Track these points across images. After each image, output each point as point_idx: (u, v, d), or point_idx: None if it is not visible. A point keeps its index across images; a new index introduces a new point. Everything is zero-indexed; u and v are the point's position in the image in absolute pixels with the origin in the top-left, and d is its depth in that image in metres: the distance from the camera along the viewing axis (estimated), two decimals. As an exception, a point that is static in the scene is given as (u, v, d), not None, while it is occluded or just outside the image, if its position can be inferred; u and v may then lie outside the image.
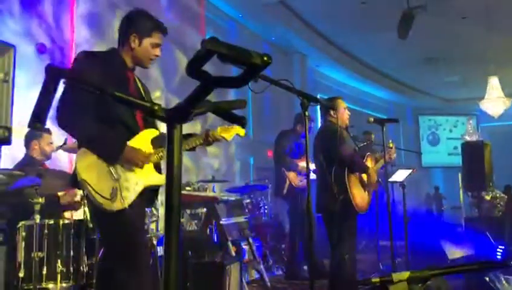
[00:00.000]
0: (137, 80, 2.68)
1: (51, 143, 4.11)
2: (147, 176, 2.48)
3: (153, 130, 2.58)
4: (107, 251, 2.73)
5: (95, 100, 2.31)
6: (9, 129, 1.09)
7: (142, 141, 2.51)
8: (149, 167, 2.49)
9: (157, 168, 2.57)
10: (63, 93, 2.30)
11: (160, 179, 2.56)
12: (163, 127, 1.00)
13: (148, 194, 2.55)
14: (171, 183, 0.91)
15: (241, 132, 2.80)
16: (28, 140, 4.12)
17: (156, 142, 2.57)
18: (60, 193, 3.76)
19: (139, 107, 0.95)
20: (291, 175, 5.38)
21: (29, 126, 0.93)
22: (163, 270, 0.89)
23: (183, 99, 0.90)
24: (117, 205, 2.32)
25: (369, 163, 3.99)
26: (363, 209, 3.79)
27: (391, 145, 4.18)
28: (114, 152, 2.37)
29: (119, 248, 2.44)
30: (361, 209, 3.75)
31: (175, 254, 0.88)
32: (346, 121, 3.96)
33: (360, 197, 3.73)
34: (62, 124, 2.37)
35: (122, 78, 2.56)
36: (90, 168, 2.34)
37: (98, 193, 2.30)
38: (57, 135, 3.87)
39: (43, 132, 4.01)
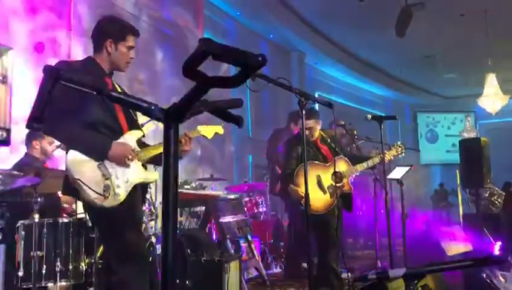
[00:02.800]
0: (116, 85, 2.73)
1: (52, 143, 4.12)
2: (137, 173, 2.55)
3: (138, 131, 2.64)
4: (104, 247, 2.77)
5: (76, 104, 2.36)
6: (7, 130, 1.09)
7: (127, 142, 2.57)
8: (138, 165, 2.57)
9: (144, 166, 2.65)
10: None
11: (149, 175, 2.64)
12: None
13: (140, 191, 2.62)
14: (167, 182, 0.92)
15: (220, 130, 2.91)
16: (29, 139, 4.14)
17: (141, 142, 2.63)
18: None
19: (136, 107, 0.96)
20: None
21: (27, 127, 0.94)
22: (161, 268, 0.90)
23: (180, 99, 0.91)
24: (110, 201, 2.40)
25: (343, 166, 4.02)
26: (317, 210, 3.83)
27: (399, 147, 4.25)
28: (101, 149, 2.44)
29: (115, 244, 2.49)
30: (313, 210, 3.75)
31: (172, 252, 0.89)
32: (312, 134, 4.05)
33: (313, 198, 3.75)
34: (47, 130, 2.42)
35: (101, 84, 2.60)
36: (82, 167, 2.40)
37: (91, 190, 2.36)
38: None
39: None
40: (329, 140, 4.18)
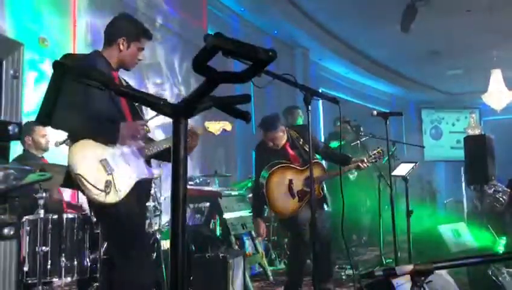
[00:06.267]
0: (122, 80, 2.73)
1: (45, 135, 4.10)
2: (140, 169, 2.55)
3: None
4: (107, 243, 2.78)
5: (82, 97, 2.36)
6: (19, 125, 1.10)
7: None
8: (141, 161, 2.57)
9: (148, 163, 2.66)
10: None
11: (151, 172, 2.64)
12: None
13: (144, 187, 2.61)
14: (177, 177, 0.92)
15: (228, 126, 2.92)
16: (22, 136, 4.13)
17: (147, 138, 2.64)
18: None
19: (145, 102, 0.95)
20: None
21: (37, 121, 0.94)
22: (170, 262, 0.90)
23: (188, 94, 0.90)
24: (112, 198, 2.40)
25: (317, 171, 3.92)
26: (283, 215, 3.91)
27: (379, 151, 4.18)
28: (111, 134, 2.46)
29: (117, 240, 2.50)
30: (279, 215, 3.90)
31: (181, 245, 0.89)
32: (276, 144, 4.00)
33: (280, 203, 3.82)
34: (57, 125, 2.42)
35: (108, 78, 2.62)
36: (84, 163, 2.41)
37: (92, 186, 2.36)
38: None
39: (34, 125, 4.00)
40: (301, 141, 4.06)
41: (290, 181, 3.85)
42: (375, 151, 4.11)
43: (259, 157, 4.09)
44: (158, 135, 6.20)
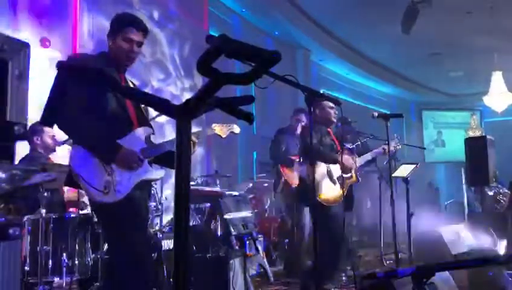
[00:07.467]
0: (128, 81, 2.71)
1: (53, 136, 4.12)
2: (141, 171, 2.54)
3: (148, 128, 2.64)
4: (107, 243, 2.79)
5: (87, 97, 2.35)
6: (25, 126, 1.11)
7: (137, 138, 2.56)
8: (143, 163, 2.55)
9: (150, 164, 2.63)
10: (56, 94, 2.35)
11: (154, 173, 2.63)
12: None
13: (145, 188, 2.61)
14: (180, 176, 0.92)
15: (236, 129, 2.90)
16: (30, 136, 4.14)
17: (150, 139, 2.63)
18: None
19: (149, 103, 0.96)
20: (287, 172, 5.31)
21: (42, 122, 0.95)
22: (174, 260, 0.90)
23: (193, 94, 0.91)
24: (111, 198, 2.40)
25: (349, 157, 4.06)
26: (327, 202, 3.82)
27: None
28: (109, 154, 2.44)
29: (116, 241, 2.49)
30: (327, 201, 3.80)
31: (185, 244, 0.89)
32: (330, 119, 4.04)
33: (324, 190, 3.80)
34: (62, 126, 2.41)
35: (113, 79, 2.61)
36: (84, 163, 2.41)
37: (91, 186, 2.37)
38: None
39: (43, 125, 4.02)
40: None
41: (328, 167, 3.91)
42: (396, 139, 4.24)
43: (313, 130, 3.98)
44: (168, 131, 6.25)
